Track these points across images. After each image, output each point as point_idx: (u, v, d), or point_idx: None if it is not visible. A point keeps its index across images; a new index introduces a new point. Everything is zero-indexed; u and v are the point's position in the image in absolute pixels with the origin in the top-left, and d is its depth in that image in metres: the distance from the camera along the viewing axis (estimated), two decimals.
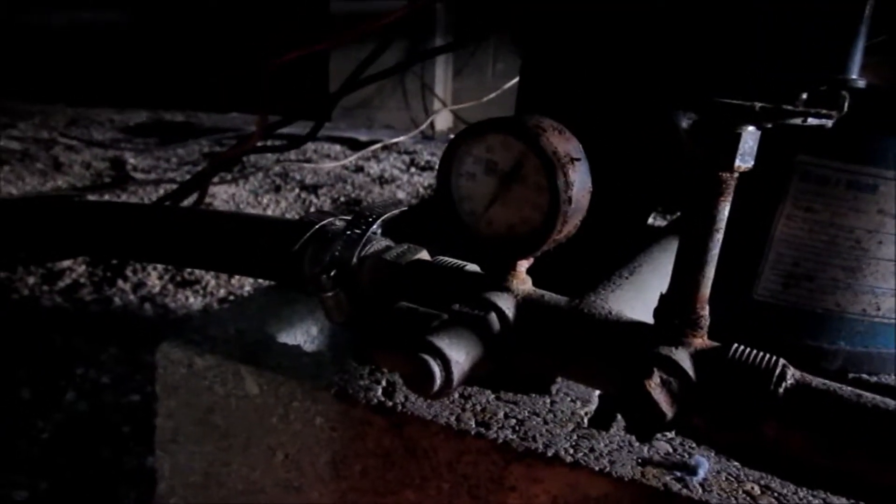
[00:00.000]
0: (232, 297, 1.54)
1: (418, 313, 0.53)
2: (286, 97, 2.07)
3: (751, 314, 0.77)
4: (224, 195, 2.30)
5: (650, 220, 0.92)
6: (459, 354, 0.50)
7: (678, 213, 0.79)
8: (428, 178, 2.64)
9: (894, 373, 0.78)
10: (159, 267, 1.61)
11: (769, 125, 0.43)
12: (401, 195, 2.44)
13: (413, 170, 2.82)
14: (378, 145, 3.09)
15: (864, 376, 0.78)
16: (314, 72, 3.38)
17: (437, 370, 0.48)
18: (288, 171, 2.65)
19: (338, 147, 3.13)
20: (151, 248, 0.78)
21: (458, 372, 0.49)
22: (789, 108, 0.41)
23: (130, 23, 4.52)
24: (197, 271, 1.60)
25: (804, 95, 0.42)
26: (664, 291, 0.52)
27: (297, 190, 2.43)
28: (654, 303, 0.53)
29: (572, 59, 0.69)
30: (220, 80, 4.00)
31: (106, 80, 4.31)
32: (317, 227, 0.64)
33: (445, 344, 0.49)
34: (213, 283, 1.58)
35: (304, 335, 0.77)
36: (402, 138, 3.24)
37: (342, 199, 2.36)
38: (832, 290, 0.74)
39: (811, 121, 0.43)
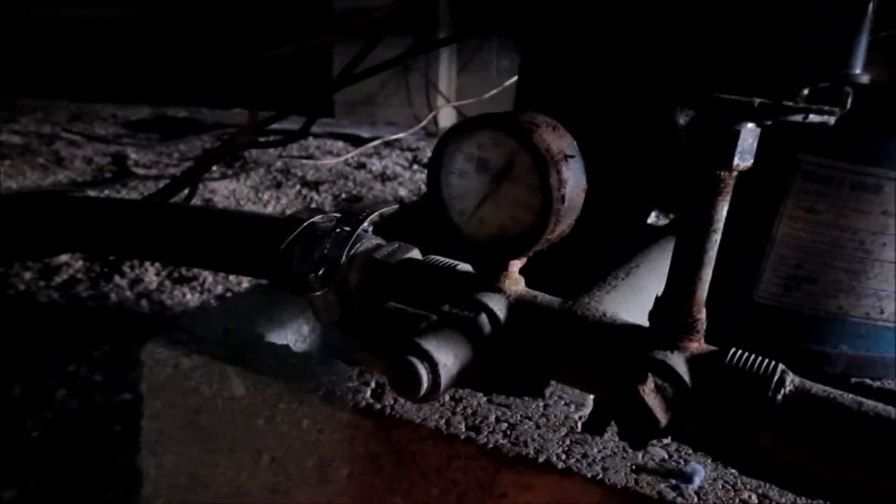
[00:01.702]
0: (230, 294, 1.52)
1: (407, 314, 0.52)
2: (290, 94, 2.05)
3: (752, 317, 0.75)
4: (224, 191, 2.28)
5: (651, 220, 0.90)
6: (447, 357, 0.48)
7: (678, 213, 0.77)
8: None
9: None
10: (157, 263, 1.59)
11: (769, 122, 0.41)
12: (402, 192, 2.42)
13: (416, 167, 2.80)
14: (378, 141, 3.07)
15: (867, 381, 0.76)
16: (318, 68, 3.36)
17: (423, 373, 0.47)
18: (289, 167, 2.63)
19: (340, 143, 3.11)
20: (140, 245, 0.77)
21: (445, 375, 0.48)
22: (790, 104, 0.40)
23: (134, 18, 4.51)
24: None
25: (805, 92, 0.40)
26: (660, 293, 0.51)
27: (298, 186, 2.41)
28: (651, 305, 0.51)
29: (569, 56, 0.67)
30: (224, 75, 3.99)
31: (109, 76, 4.30)
32: (305, 224, 0.63)
33: (433, 346, 0.48)
34: (210, 279, 1.57)
35: (294, 335, 0.76)
36: (403, 134, 3.22)
37: (343, 195, 2.35)
38: (835, 292, 0.73)
39: (812, 118, 0.41)
